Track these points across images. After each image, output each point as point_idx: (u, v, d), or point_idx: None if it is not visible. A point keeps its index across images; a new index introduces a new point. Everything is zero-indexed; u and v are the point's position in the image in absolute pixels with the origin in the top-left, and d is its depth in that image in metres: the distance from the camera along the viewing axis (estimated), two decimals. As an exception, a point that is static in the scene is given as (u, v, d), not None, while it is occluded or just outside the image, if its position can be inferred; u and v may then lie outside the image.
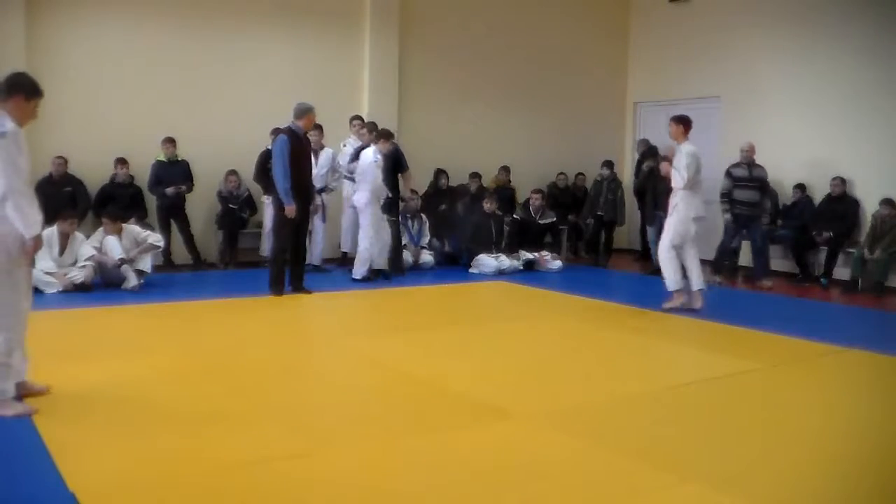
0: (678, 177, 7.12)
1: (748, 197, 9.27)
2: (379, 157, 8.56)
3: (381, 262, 8.74)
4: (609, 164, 11.05)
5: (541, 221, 10.22)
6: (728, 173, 9.41)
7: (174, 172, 9.00)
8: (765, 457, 3.61)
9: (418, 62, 10.83)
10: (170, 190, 8.88)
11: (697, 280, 7.19)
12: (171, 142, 8.99)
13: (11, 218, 3.80)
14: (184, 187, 9.01)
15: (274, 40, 9.86)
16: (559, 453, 3.61)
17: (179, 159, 9.08)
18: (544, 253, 9.96)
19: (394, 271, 8.98)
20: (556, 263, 9.86)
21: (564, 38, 12.04)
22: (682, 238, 7.20)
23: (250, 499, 3.06)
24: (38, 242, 3.93)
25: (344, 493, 3.14)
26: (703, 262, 7.76)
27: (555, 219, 10.43)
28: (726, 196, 9.37)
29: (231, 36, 9.59)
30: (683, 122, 7.31)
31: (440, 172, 10.59)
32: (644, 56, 12.49)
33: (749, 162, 9.33)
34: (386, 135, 8.72)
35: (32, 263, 4.16)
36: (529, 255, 9.78)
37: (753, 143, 9.47)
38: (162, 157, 8.99)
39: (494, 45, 11.43)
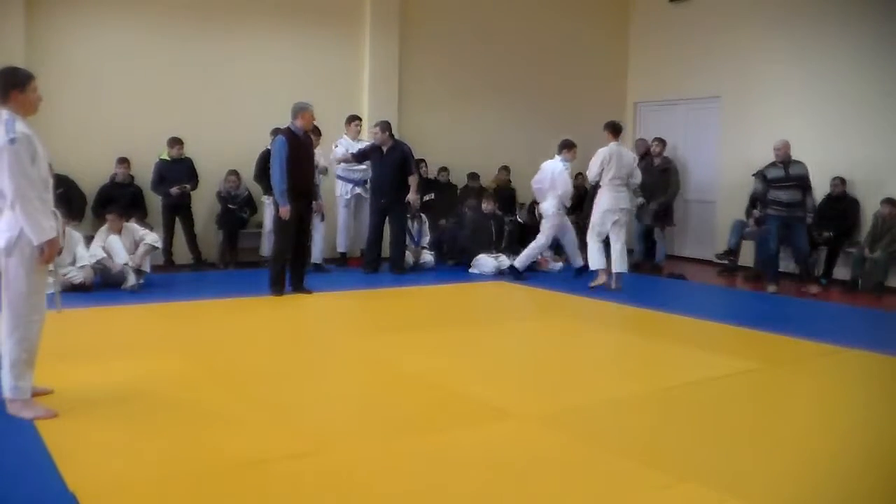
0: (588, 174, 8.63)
1: (789, 197, 8.58)
2: (568, 165, 9.06)
3: (579, 262, 9.23)
4: None
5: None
6: (762, 176, 8.77)
7: (178, 171, 9.00)
8: (764, 457, 3.61)
9: (418, 62, 10.82)
10: (174, 190, 8.89)
11: (618, 265, 8.27)
12: (178, 142, 8.99)
13: (22, 224, 3.79)
14: (188, 186, 9.01)
15: (274, 40, 9.86)
16: (559, 453, 3.61)
17: (183, 157, 9.09)
18: (545, 253, 9.94)
19: (369, 269, 9.05)
20: (557, 264, 9.85)
21: (564, 38, 12.03)
22: (599, 227, 8.34)
23: (250, 499, 3.06)
24: (52, 247, 3.87)
25: (344, 493, 3.14)
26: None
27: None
28: (758, 200, 8.97)
29: (231, 35, 9.58)
30: (608, 128, 8.55)
31: (419, 162, 10.56)
32: (644, 56, 12.48)
33: (785, 161, 8.61)
34: (569, 145, 9.12)
35: (52, 268, 4.11)
36: None
37: (787, 140, 8.74)
38: (165, 156, 8.99)
39: (494, 44, 11.43)
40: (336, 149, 9.45)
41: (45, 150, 4.00)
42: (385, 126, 9.07)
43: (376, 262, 9.14)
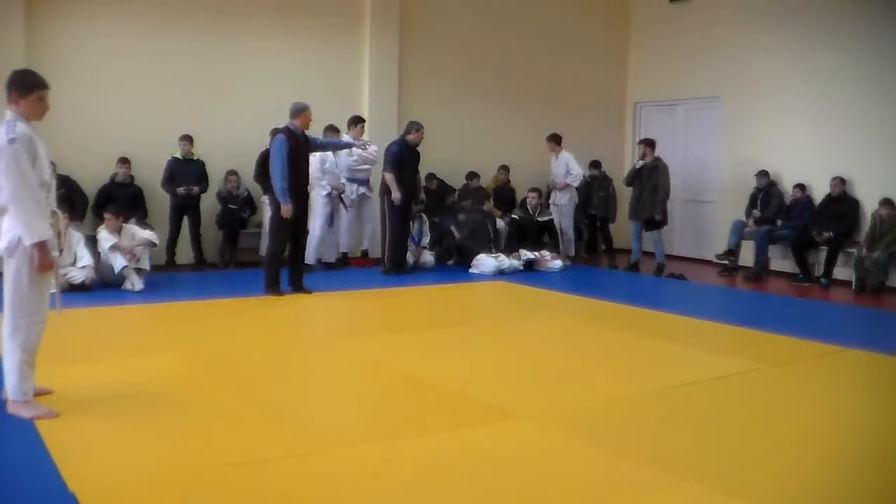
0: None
1: None
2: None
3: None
4: (596, 165, 11.02)
5: (539, 219, 10.16)
6: None
7: (189, 171, 9.02)
8: (765, 457, 3.61)
9: (418, 62, 10.82)
10: (180, 190, 8.90)
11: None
12: (188, 139, 9.00)
13: (15, 225, 3.77)
14: (195, 188, 9.02)
15: (273, 40, 9.85)
16: (559, 453, 3.61)
17: (195, 158, 9.10)
18: (544, 253, 9.94)
19: (395, 270, 9.04)
20: (557, 263, 9.85)
21: (564, 38, 12.03)
22: None
23: (250, 499, 3.06)
24: (42, 252, 3.82)
25: (343, 493, 3.14)
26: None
27: (552, 216, 10.39)
28: None
29: (231, 35, 9.58)
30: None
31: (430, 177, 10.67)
32: (644, 56, 12.48)
33: None
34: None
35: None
36: (530, 255, 9.76)
37: None
38: (178, 155, 9.01)
39: (494, 45, 11.43)
40: (370, 148, 9.45)
41: (47, 151, 3.99)
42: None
43: (404, 262, 9.24)
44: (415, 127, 9.10)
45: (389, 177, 8.94)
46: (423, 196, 9.75)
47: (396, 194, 8.90)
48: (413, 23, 10.76)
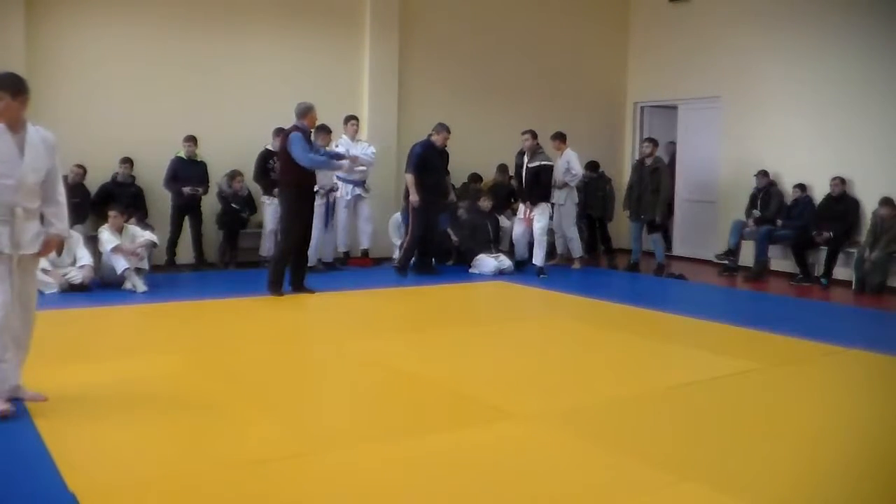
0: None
1: None
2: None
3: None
4: (593, 166, 10.99)
5: (530, 165, 9.62)
6: None
7: (192, 172, 9.03)
8: (765, 456, 3.61)
9: (418, 62, 10.82)
10: (186, 189, 8.92)
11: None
12: (192, 140, 9.01)
13: None
14: (200, 189, 9.03)
15: (273, 41, 9.84)
16: (559, 453, 3.61)
17: (199, 160, 9.11)
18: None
19: (419, 271, 9.16)
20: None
21: (564, 38, 12.03)
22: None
23: (250, 499, 3.06)
24: None
25: (343, 493, 3.14)
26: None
27: (547, 161, 9.73)
28: None
29: (231, 36, 9.58)
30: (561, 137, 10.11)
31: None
32: (644, 56, 12.48)
33: None
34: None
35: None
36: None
37: None
38: (182, 154, 9.01)
39: (494, 45, 11.42)
40: (337, 149, 9.40)
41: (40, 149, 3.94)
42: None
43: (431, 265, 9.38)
44: (437, 129, 9.23)
45: (410, 178, 9.04)
46: (452, 196, 9.80)
47: (415, 197, 8.95)
48: (413, 23, 10.75)
